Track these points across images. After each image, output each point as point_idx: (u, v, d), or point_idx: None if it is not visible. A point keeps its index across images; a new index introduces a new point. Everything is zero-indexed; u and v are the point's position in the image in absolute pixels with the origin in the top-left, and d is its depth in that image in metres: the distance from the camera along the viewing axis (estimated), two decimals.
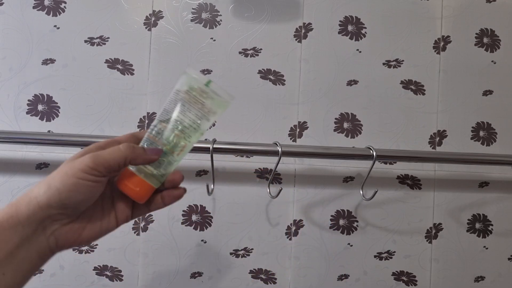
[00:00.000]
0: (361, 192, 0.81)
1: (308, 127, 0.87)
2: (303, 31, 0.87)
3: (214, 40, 0.85)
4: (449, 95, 0.89)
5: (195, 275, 0.85)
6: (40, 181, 0.39)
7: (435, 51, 0.89)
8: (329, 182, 0.87)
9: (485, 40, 0.90)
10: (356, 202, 0.88)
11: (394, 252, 0.89)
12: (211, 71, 0.85)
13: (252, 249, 0.86)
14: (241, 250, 0.86)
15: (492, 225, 0.91)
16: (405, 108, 0.88)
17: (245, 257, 0.86)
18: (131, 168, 0.43)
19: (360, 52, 0.88)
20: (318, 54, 0.87)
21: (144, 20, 0.84)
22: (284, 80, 0.86)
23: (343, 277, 0.88)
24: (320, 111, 0.87)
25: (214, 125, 0.85)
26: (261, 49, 0.86)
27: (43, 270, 0.83)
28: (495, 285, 0.91)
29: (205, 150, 0.74)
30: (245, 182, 0.85)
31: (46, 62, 0.83)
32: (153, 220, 0.84)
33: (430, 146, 0.89)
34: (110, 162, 0.39)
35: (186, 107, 0.44)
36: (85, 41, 0.83)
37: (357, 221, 0.88)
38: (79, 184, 0.38)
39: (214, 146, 0.73)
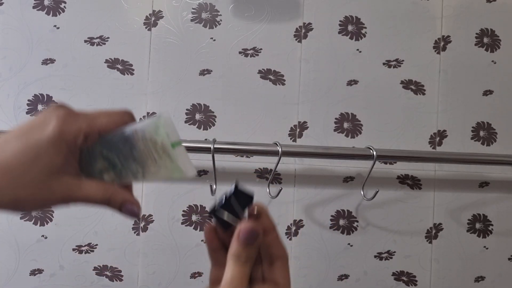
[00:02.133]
0: (362, 192, 0.81)
1: (308, 127, 0.86)
2: (303, 31, 0.87)
3: (214, 40, 0.85)
4: (449, 95, 0.89)
5: (195, 275, 0.85)
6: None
7: (435, 51, 0.89)
8: (329, 182, 0.87)
9: (485, 40, 0.90)
10: (356, 202, 0.88)
11: (394, 252, 0.89)
12: (211, 71, 0.85)
13: None
14: None
15: (492, 225, 0.91)
16: (405, 108, 0.88)
17: None
18: None
19: (360, 52, 0.87)
20: (318, 54, 0.87)
21: (144, 20, 0.84)
22: (284, 80, 0.86)
23: (343, 277, 0.88)
24: (320, 111, 0.87)
25: (214, 125, 0.85)
26: (261, 49, 0.86)
27: (43, 270, 0.83)
28: (495, 285, 0.91)
29: (205, 150, 0.74)
30: (245, 182, 0.85)
31: (46, 62, 0.83)
32: (153, 220, 0.84)
33: (430, 146, 0.89)
34: (85, 202, 0.35)
35: (134, 158, 0.36)
36: (85, 41, 0.83)
37: (357, 221, 0.88)
38: (44, 205, 0.34)
39: (214, 146, 0.73)
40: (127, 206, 0.36)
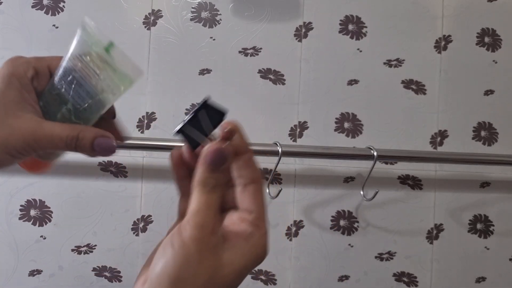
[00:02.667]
0: (361, 192, 0.80)
1: (308, 127, 0.86)
2: (303, 30, 0.86)
3: (214, 40, 0.85)
4: (450, 94, 0.89)
5: None
6: None
7: (436, 50, 0.89)
8: (329, 182, 0.86)
9: (486, 39, 0.90)
10: (357, 202, 0.87)
11: (395, 252, 0.88)
12: (211, 70, 0.84)
13: None
14: None
15: (493, 225, 0.90)
16: (406, 107, 0.88)
17: None
18: None
19: (360, 51, 0.87)
20: (319, 54, 0.86)
21: (144, 19, 0.84)
22: (284, 80, 0.86)
23: (343, 277, 0.88)
24: (321, 110, 0.86)
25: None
26: (261, 48, 0.85)
27: (42, 271, 0.82)
28: (496, 286, 0.91)
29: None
30: None
31: None
32: (152, 221, 0.84)
33: (431, 146, 0.88)
34: (51, 143, 0.32)
35: (77, 81, 0.34)
36: None
37: (357, 222, 0.88)
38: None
39: None
40: (100, 140, 0.33)
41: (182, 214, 0.33)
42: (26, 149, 0.31)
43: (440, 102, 0.89)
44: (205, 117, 0.30)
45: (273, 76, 0.86)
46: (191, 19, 0.84)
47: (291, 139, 0.86)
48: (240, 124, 0.32)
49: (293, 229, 0.86)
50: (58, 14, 0.83)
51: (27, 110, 0.32)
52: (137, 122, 0.83)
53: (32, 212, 0.82)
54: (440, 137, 0.88)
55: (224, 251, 0.29)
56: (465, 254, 0.90)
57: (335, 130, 0.87)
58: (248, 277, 0.86)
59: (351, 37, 0.87)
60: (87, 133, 0.33)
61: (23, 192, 0.81)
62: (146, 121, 0.83)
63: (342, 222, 0.87)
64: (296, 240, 0.86)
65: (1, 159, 0.31)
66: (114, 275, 0.83)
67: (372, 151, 0.76)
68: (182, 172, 0.33)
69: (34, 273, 0.82)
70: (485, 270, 0.90)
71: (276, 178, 0.85)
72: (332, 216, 0.87)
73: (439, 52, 0.89)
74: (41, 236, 0.82)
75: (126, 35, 0.83)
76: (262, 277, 0.86)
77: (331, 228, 0.87)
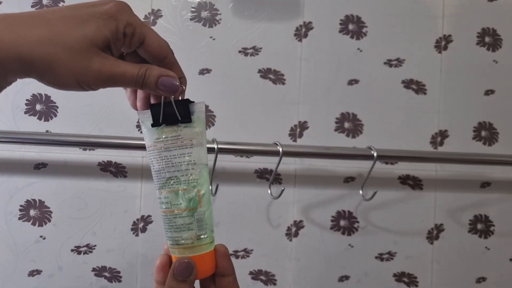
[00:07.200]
0: (360, 192, 0.80)
1: (308, 127, 0.86)
2: (303, 30, 0.86)
3: (214, 39, 0.84)
4: (450, 94, 0.89)
5: None
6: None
7: (436, 50, 0.88)
8: (329, 182, 0.86)
9: (487, 39, 0.89)
10: (357, 202, 0.87)
11: (395, 253, 0.88)
12: (211, 70, 0.84)
13: (252, 250, 0.86)
14: (241, 251, 0.85)
15: (494, 225, 0.90)
16: (406, 107, 0.88)
17: (245, 258, 0.86)
18: (172, 254, 0.38)
19: (361, 51, 0.87)
20: (319, 53, 0.86)
21: (143, 19, 0.83)
22: (284, 80, 0.85)
23: (343, 278, 0.88)
24: (321, 110, 0.86)
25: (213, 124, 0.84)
26: (261, 48, 0.85)
27: (41, 271, 0.82)
28: (496, 286, 0.91)
29: (207, 150, 0.73)
30: (245, 183, 0.85)
31: None
32: (152, 221, 0.84)
33: (432, 146, 0.88)
34: (122, 78, 0.35)
35: (168, 155, 0.37)
36: None
37: (358, 222, 0.87)
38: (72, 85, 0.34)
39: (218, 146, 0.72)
40: (165, 79, 0.36)
41: None
42: (96, 82, 0.34)
43: (441, 102, 0.88)
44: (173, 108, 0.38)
45: (273, 75, 0.85)
46: (191, 19, 0.84)
47: (291, 139, 0.86)
48: (227, 249, 0.39)
49: (293, 229, 0.86)
50: None
51: (110, 53, 0.34)
52: (137, 122, 0.83)
53: (32, 212, 0.81)
54: (440, 137, 0.88)
55: None
56: (465, 255, 0.90)
57: (335, 130, 0.86)
58: (249, 277, 0.86)
59: (351, 37, 0.87)
60: (153, 71, 0.36)
61: (22, 192, 0.81)
62: None
63: (342, 222, 0.87)
64: (296, 241, 0.86)
65: (71, 85, 0.34)
66: (113, 276, 0.83)
67: (372, 151, 0.76)
68: (162, 276, 0.38)
69: (33, 273, 0.82)
70: (486, 270, 0.90)
71: (276, 178, 0.85)
72: (332, 216, 0.87)
73: (440, 52, 0.88)
74: (41, 236, 0.82)
75: None
76: (262, 277, 0.86)
77: (331, 228, 0.87)
